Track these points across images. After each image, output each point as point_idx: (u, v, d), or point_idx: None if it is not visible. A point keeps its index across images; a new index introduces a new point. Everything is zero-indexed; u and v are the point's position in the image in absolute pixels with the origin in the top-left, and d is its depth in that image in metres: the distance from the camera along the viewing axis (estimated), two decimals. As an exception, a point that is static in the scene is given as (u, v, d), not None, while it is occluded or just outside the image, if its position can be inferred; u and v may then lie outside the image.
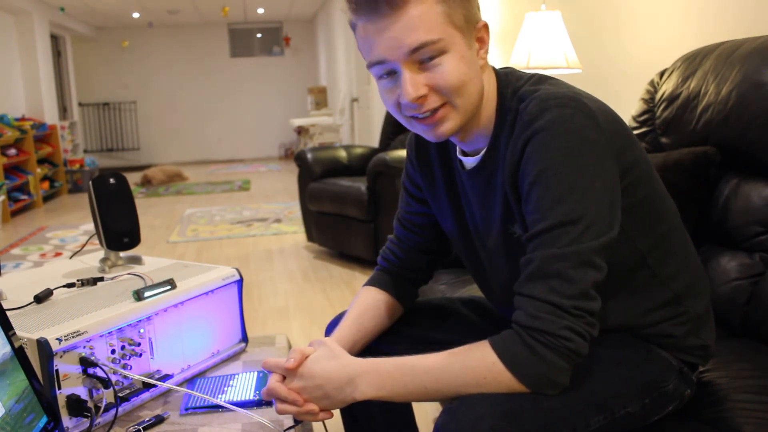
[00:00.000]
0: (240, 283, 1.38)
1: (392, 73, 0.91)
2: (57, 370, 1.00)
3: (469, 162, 1.02)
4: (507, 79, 0.97)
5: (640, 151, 0.96)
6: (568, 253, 0.83)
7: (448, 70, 0.89)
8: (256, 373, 1.25)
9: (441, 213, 1.14)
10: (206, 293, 1.30)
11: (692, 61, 1.59)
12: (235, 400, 1.14)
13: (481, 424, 0.81)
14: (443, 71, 0.89)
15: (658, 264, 0.97)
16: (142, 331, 1.17)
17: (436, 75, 0.89)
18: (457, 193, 1.08)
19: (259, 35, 11.08)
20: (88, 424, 1.04)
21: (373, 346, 1.14)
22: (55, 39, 8.71)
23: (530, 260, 0.86)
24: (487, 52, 0.95)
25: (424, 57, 0.88)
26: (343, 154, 4.18)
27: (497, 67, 1.01)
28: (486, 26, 0.94)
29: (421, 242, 1.19)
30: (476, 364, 0.86)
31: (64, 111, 8.95)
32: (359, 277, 3.54)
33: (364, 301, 1.16)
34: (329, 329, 1.21)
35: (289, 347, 1.47)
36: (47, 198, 7.12)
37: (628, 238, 0.93)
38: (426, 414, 1.91)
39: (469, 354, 0.87)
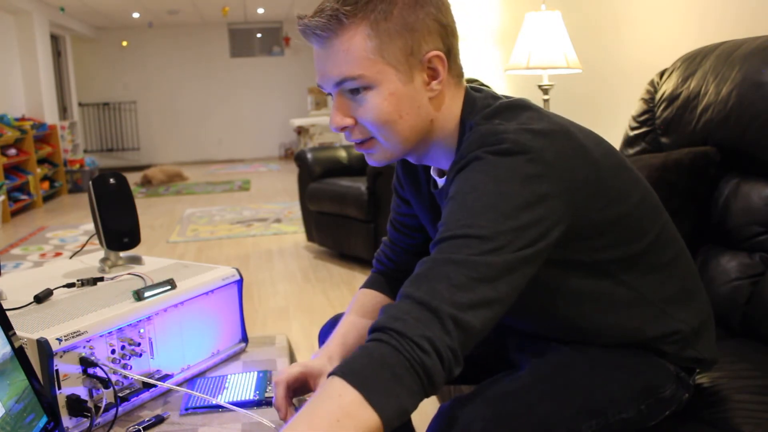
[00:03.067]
0: (240, 283, 1.38)
1: None
2: (57, 370, 1.00)
3: (440, 182, 1.01)
4: (473, 106, 0.94)
5: (612, 177, 0.91)
6: (465, 261, 0.75)
7: (370, 107, 0.89)
8: (256, 373, 1.25)
9: (423, 219, 1.13)
10: (206, 293, 1.30)
11: (692, 61, 1.59)
12: (235, 400, 1.14)
13: (472, 427, 0.81)
14: (366, 107, 0.89)
15: (635, 280, 0.94)
16: (142, 331, 1.17)
17: (360, 109, 0.90)
18: (436, 204, 1.07)
19: (259, 35, 11.07)
20: (88, 424, 1.04)
21: None
22: (55, 39, 8.70)
23: (421, 263, 0.78)
24: (441, 82, 0.91)
25: (350, 89, 0.89)
26: (343, 154, 4.18)
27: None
28: (439, 57, 0.90)
29: (413, 244, 1.19)
30: (336, 404, 0.69)
31: (64, 111, 8.95)
32: (359, 277, 3.54)
33: (361, 303, 1.16)
34: (323, 334, 1.21)
35: (289, 347, 1.47)
36: (47, 198, 7.12)
37: (596, 260, 0.91)
38: (425, 413, 1.91)
39: (316, 401, 0.71)
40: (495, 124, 0.87)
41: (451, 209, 0.81)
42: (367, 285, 1.20)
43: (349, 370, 0.71)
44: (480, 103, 0.94)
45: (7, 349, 0.91)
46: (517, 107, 0.91)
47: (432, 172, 1.04)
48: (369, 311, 1.14)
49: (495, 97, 0.96)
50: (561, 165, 0.83)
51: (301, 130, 9.14)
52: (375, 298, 1.17)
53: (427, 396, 0.73)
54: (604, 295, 0.94)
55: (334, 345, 1.07)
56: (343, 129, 0.92)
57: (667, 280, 0.97)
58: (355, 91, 0.89)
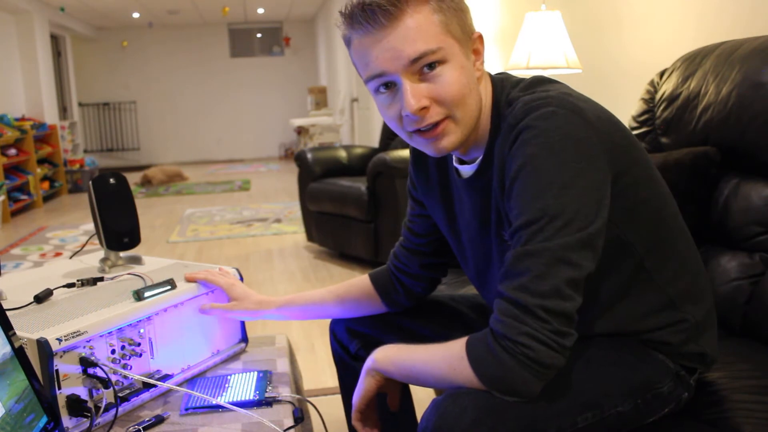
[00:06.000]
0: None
1: (391, 86, 0.90)
2: (57, 370, 1.00)
3: (466, 170, 1.01)
4: (502, 86, 0.97)
5: (639, 152, 0.96)
6: (540, 249, 0.81)
7: (449, 80, 0.88)
8: (256, 373, 1.25)
9: (436, 218, 1.15)
10: (206, 293, 1.30)
11: (692, 61, 1.59)
12: (235, 400, 1.14)
13: (464, 417, 0.82)
14: (444, 82, 0.88)
15: (655, 268, 0.96)
16: (142, 331, 1.17)
17: (437, 86, 0.88)
18: (451, 201, 1.09)
19: (259, 35, 11.07)
20: (88, 424, 1.04)
21: (377, 338, 1.20)
22: (55, 39, 8.70)
23: (506, 257, 0.85)
24: (483, 63, 0.95)
25: (424, 67, 0.88)
26: (343, 154, 4.17)
27: (494, 71, 1.01)
28: (480, 37, 0.94)
29: (420, 243, 1.21)
30: (451, 354, 0.88)
31: (64, 111, 8.95)
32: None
33: (347, 288, 1.28)
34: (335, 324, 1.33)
35: (289, 347, 1.47)
36: (47, 198, 7.12)
37: (626, 241, 0.93)
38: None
39: (451, 345, 0.89)
40: (538, 91, 0.90)
41: (519, 190, 0.85)
42: (371, 275, 1.28)
43: (473, 347, 0.85)
44: (506, 83, 0.97)
45: (7, 349, 0.91)
46: (549, 80, 0.95)
47: (454, 163, 1.05)
48: (343, 296, 1.28)
49: (513, 77, 0.99)
50: (603, 127, 0.88)
51: (301, 130, 9.14)
52: (361, 290, 1.27)
53: (546, 376, 0.82)
54: (623, 276, 0.95)
55: (282, 298, 1.34)
56: (422, 111, 0.89)
57: (681, 272, 0.99)
58: (429, 69, 0.88)
